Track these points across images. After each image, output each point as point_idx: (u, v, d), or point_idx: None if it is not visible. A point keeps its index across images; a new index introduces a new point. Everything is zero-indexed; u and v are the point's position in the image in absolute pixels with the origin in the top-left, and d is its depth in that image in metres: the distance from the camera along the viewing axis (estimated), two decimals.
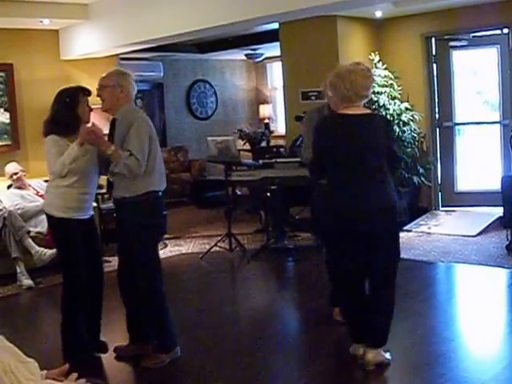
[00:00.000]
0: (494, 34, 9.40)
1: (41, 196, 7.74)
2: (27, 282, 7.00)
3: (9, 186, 7.84)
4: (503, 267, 6.87)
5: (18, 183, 7.76)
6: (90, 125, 4.62)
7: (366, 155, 4.32)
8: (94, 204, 5.38)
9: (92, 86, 4.84)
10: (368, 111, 4.68)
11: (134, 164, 4.43)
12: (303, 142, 5.38)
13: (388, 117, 9.06)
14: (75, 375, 2.58)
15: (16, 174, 7.77)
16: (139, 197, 4.53)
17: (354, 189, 4.35)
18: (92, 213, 4.89)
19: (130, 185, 4.54)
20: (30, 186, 7.86)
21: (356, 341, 4.58)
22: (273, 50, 11.70)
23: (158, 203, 4.66)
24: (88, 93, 4.76)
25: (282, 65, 9.99)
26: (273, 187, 8.06)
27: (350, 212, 4.34)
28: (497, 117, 9.53)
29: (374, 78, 9.09)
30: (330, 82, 4.53)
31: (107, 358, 4.89)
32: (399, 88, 9.37)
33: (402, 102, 9.31)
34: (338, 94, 4.42)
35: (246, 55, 13.42)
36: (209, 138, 8.58)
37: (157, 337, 4.78)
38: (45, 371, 2.51)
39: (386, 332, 4.45)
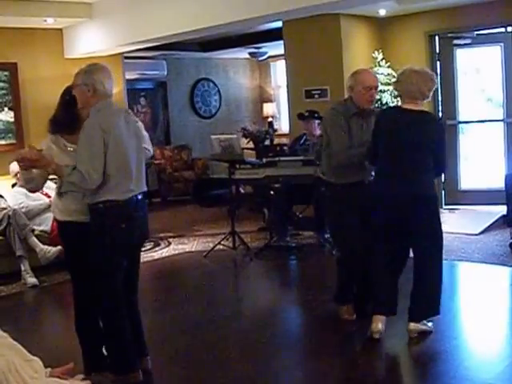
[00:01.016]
0: (498, 32, 9.39)
1: (45, 194, 7.77)
2: (31, 280, 7.02)
3: (13, 185, 7.86)
4: (506, 265, 6.87)
5: (21, 182, 7.77)
6: (24, 150, 4.31)
7: (413, 150, 4.72)
8: None
9: None
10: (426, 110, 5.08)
11: (78, 179, 4.04)
12: (324, 140, 5.36)
13: None
14: (81, 376, 2.59)
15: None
16: (95, 205, 4.16)
17: (397, 178, 4.76)
18: None
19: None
20: None
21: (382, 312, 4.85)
22: (276, 48, 11.70)
23: (113, 213, 4.17)
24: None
25: (286, 63, 10.00)
26: (276, 185, 8.08)
27: (391, 199, 4.76)
28: (500, 115, 9.52)
29: (378, 76, 9.16)
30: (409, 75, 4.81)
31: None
32: None
33: None
34: (407, 88, 4.77)
35: (249, 54, 13.43)
36: (212, 137, 8.59)
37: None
38: (49, 369, 2.51)
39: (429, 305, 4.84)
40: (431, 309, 4.86)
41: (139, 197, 4.29)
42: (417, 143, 4.71)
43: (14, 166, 7.86)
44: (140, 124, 4.52)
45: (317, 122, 8.09)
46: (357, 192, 5.14)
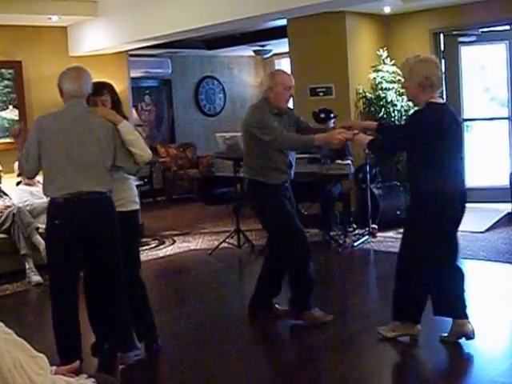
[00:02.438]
0: (503, 30, 9.39)
1: None
2: (36, 278, 7.03)
3: (18, 183, 7.87)
4: (511, 263, 6.87)
5: (26, 180, 7.78)
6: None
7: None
8: None
9: None
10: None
11: (17, 164, 4.57)
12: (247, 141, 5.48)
13: (396, 113, 9.06)
14: (85, 376, 2.59)
15: None
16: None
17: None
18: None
19: None
20: (38, 182, 7.88)
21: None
22: (281, 46, 11.69)
23: (49, 210, 4.37)
24: (96, 92, 4.57)
25: (291, 61, 9.98)
26: None
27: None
28: (505, 113, 9.51)
29: (382, 74, 9.13)
30: (424, 70, 4.51)
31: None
32: None
33: (409, 100, 9.26)
34: (435, 81, 4.49)
35: (254, 51, 13.42)
36: (217, 134, 8.60)
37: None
38: (54, 367, 2.51)
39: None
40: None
41: (83, 197, 4.25)
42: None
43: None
44: (123, 126, 4.42)
45: (332, 121, 8.06)
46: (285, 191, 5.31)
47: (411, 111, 9.14)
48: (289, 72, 5.60)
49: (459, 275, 4.70)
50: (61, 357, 4.20)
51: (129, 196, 4.70)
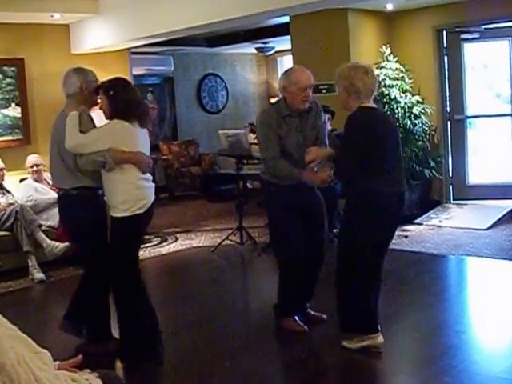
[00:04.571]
0: (506, 27, 9.36)
1: (54, 190, 7.79)
2: (39, 275, 7.04)
3: (21, 180, 7.89)
4: None
5: (35, 175, 7.82)
6: None
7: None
8: None
9: (104, 79, 4.85)
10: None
11: None
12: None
13: (399, 110, 9.05)
14: (88, 370, 2.59)
15: (38, 166, 7.84)
16: None
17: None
18: None
19: None
20: (45, 180, 7.91)
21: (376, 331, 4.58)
22: (283, 43, 11.68)
23: None
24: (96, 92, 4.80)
25: (293, 58, 9.97)
26: None
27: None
28: (508, 109, 9.50)
29: (386, 71, 9.12)
30: (350, 76, 4.48)
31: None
32: (410, 81, 9.35)
33: (413, 95, 9.28)
34: (361, 87, 4.41)
35: (256, 49, 13.42)
36: (220, 132, 8.60)
37: None
38: (58, 362, 2.52)
39: None
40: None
41: (60, 193, 4.86)
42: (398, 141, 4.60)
43: (33, 158, 7.91)
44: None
45: (327, 116, 8.03)
46: (298, 194, 5.00)
47: (414, 108, 9.17)
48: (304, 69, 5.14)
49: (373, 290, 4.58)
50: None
51: (111, 200, 4.67)
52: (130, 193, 4.54)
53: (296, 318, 5.15)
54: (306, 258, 5.10)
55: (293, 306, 5.20)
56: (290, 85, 4.90)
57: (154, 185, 4.72)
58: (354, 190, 4.50)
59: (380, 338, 4.53)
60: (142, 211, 4.54)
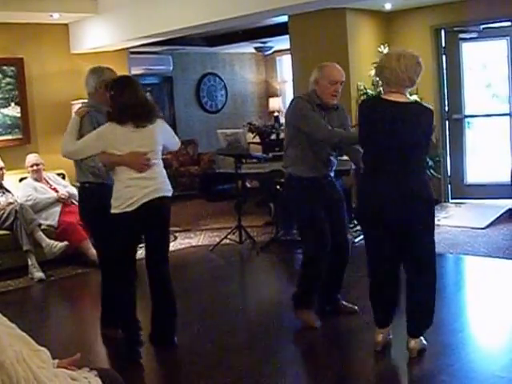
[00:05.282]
0: (504, 26, 9.39)
1: (53, 189, 7.81)
2: (38, 274, 7.05)
3: (20, 180, 7.91)
4: None
5: (35, 174, 7.84)
6: None
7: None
8: None
9: None
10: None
11: None
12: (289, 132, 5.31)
13: None
14: (87, 368, 2.61)
15: (37, 165, 7.86)
16: None
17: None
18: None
19: None
20: (44, 179, 7.93)
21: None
22: (282, 43, 11.70)
23: None
24: None
25: (292, 58, 9.99)
26: (282, 180, 8.07)
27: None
28: (506, 109, 9.52)
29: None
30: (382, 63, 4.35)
31: (112, 349, 4.96)
32: None
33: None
34: (388, 75, 4.26)
35: (255, 48, 13.43)
36: (218, 131, 8.61)
37: None
38: (56, 360, 2.54)
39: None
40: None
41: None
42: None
43: (32, 158, 7.93)
44: None
45: None
46: (320, 186, 5.09)
47: None
48: (289, 69, 5.38)
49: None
50: None
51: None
52: (120, 191, 4.66)
53: (312, 311, 5.19)
54: (331, 250, 5.15)
55: (312, 298, 5.21)
56: (322, 78, 5.03)
57: (156, 183, 4.72)
58: None
59: (379, 336, 4.55)
60: (129, 209, 4.61)
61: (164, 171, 4.87)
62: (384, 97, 4.34)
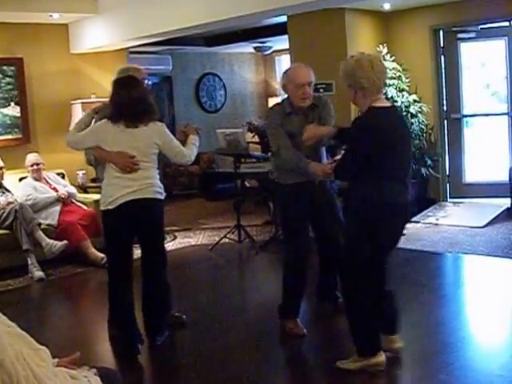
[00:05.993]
0: (502, 26, 9.40)
1: (53, 189, 7.82)
2: (38, 273, 7.05)
3: (20, 179, 7.92)
4: (510, 258, 6.89)
5: (35, 174, 7.84)
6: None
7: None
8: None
9: (102, 78, 4.95)
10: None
11: None
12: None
13: None
14: (86, 367, 2.62)
15: (37, 164, 7.86)
16: None
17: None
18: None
19: None
20: (44, 179, 7.93)
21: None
22: (281, 42, 11.69)
23: None
24: None
25: (291, 57, 9.99)
26: None
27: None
28: (505, 108, 9.53)
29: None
30: (353, 71, 4.08)
31: (112, 348, 4.97)
32: (407, 80, 9.37)
33: (410, 94, 9.31)
34: (365, 83, 4.05)
35: (254, 48, 13.42)
36: (218, 131, 8.61)
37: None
38: (56, 359, 2.55)
39: None
40: None
41: None
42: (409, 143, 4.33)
43: (32, 157, 7.94)
44: None
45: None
46: (304, 192, 4.92)
47: (411, 107, 9.20)
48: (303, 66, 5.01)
49: None
50: None
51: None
52: (104, 189, 4.80)
53: (297, 320, 5.08)
54: (322, 250, 5.20)
55: (294, 306, 5.11)
56: (288, 82, 4.89)
57: (138, 184, 4.68)
58: (353, 194, 4.21)
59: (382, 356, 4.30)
60: (110, 207, 4.68)
61: (156, 176, 4.79)
62: (376, 105, 4.12)
